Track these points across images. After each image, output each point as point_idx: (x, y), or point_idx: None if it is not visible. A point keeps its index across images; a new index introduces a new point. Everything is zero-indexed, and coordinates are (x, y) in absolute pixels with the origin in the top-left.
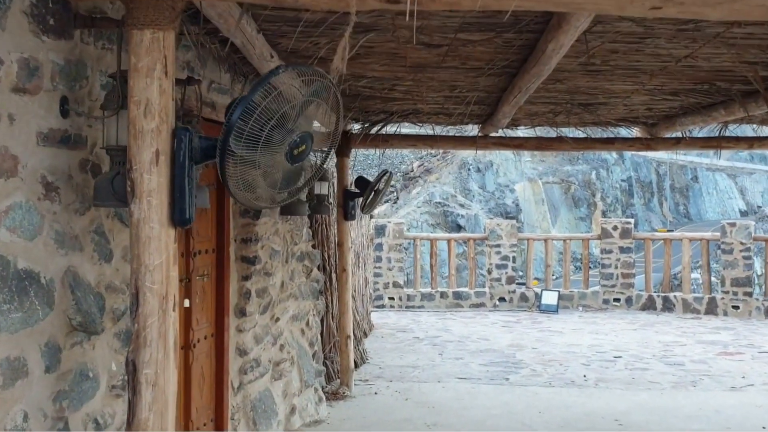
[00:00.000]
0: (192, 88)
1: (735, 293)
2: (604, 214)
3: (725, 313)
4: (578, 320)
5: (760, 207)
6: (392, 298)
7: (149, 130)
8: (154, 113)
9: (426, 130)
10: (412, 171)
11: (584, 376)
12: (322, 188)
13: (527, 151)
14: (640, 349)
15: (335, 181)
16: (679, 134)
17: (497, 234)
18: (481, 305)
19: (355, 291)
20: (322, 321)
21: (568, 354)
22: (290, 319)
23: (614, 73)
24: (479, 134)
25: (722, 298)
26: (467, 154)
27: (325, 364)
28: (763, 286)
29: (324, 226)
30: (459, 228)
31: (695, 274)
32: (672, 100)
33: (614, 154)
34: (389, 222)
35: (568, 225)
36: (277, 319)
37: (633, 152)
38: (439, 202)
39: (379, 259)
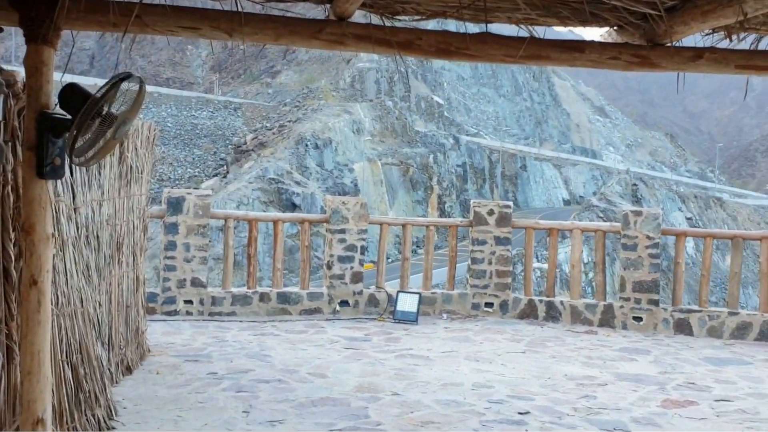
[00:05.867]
0: None
1: (638, 301)
2: (439, 198)
3: (624, 326)
4: (445, 335)
5: (582, 197)
6: (190, 302)
7: None
8: None
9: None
10: (245, 144)
11: None
12: None
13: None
14: (547, 392)
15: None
16: (694, 37)
17: (342, 216)
18: (317, 311)
19: (107, 303)
20: None
21: (449, 406)
22: None
23: None
24: (329, 15)
25: (621, 307)
26: (305, 128)
27: None
28: (671, 294)
29: (10, 189)
30: (294, 207)
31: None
32: None
33: (451, 140)
34: (189, 194)
35: (405, 208)
36: None
37: (629, 71)
38: (274, 179)
39: (172, 245)
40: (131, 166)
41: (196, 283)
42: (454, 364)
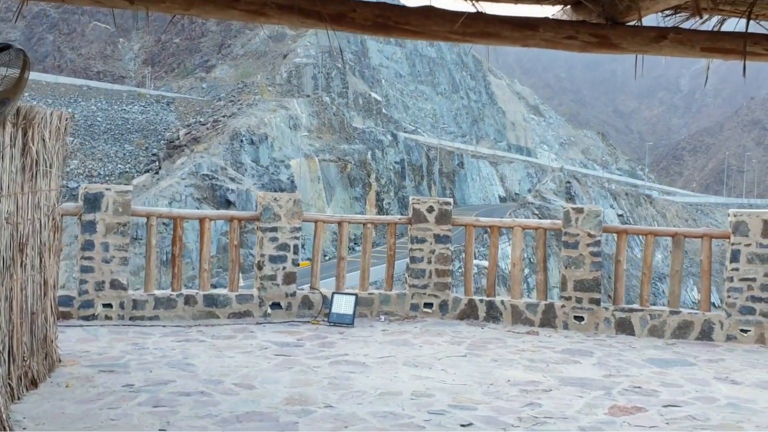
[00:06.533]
0: None
1: (579, 300)
2: (378, 195)
3: (566, 326)
4: (383, 338)
5: (518, 194)
6: (109, 306)
7: None
8: None
9: None
10: (178, 139)
11: None
12: None
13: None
14: (491, 400)
15: None
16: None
17: (274, 213)
18: (246, 315)
19: (7, 311)
20: None
21: (386, 419)
22: None
23: None
24: None
25: (562, 306)
26: (240, 124)
27: None
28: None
29: None
30: (228, 204)
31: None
32: None
33: (389, 136)
34: (108, 189)
35: (343, 204)
36: None
37: (584, 53)
38: (207, 175)
39: (89, 245)
40: (37, 159)
41: (115, 285)
42: (392, 370)
